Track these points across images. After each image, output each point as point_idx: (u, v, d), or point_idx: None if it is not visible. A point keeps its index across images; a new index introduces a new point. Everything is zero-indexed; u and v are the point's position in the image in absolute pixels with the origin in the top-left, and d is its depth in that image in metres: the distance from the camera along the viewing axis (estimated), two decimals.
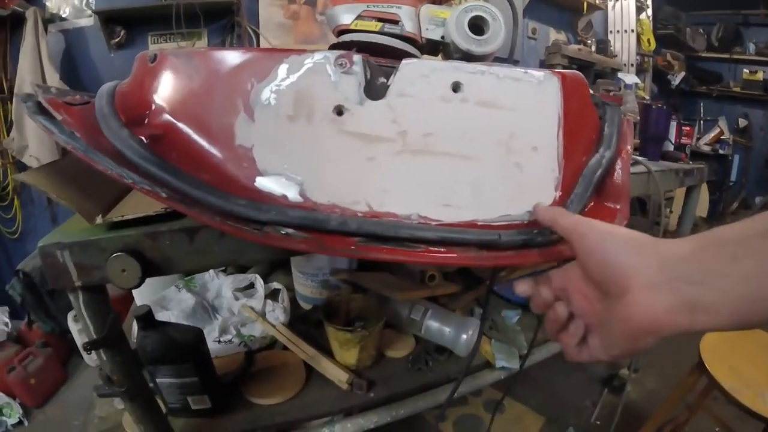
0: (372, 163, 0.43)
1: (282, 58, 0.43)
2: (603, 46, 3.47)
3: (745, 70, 2.97)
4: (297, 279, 1.21)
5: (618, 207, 0.52)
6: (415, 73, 0.44)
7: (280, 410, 0.85)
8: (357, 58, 0.43)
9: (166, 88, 0.48)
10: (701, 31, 3.18)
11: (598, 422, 1.70)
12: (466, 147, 0.45)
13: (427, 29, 0.55)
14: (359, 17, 0.53)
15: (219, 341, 0.99)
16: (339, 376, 0.89)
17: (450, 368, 1.00)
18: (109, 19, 1.80)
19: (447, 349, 1.04)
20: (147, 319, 0.72)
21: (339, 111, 0.43)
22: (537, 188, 0.49)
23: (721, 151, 3.04)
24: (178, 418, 0.80)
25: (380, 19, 0.53)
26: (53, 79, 1.75)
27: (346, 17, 0.55)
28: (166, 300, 1.09)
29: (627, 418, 1.47)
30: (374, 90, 0.43)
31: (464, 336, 1.02)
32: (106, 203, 0.57)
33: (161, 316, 1.01)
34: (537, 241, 0.46)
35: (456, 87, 0.44)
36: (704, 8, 3.05)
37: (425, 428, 1.55)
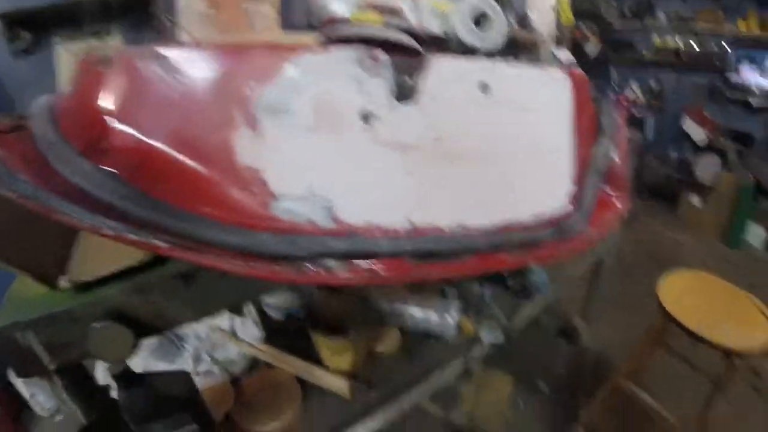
0: (409, 173, 0.39)
1: (288, 56, 0.36)
2: (523, 23, 3.61)
3: (657, 38, 3.25)
4: None
5: (620, 194, 0.55)
6: (444, 73, 0.40)
7: None
8: (383, 56, 0.38)
9: (130, 101, 0.37)
10: (613, 3, 3.42)
11: (563, 372, 1.83)
12: (496, 149, 0.44)
13: (427, 22, 0.51)
14: (358, 8, 0.47)
15: (197, 373, 0.90)
16: (338, 385, 0.85)
17: (440, 352, 1.01)
18: (12, 22, 1.50)
19: (433, 335, 1.05)
20: (127, 376, 0.61)
21: (365, 117, 0.38)
22: (558, 183, 0.49)
23: (636, 115, 3.36)
24: None
25: (381, 11, 0.48)
26: None
27: (339, 7, 0.49)
28: None
29: (590, 365, 1.61)
30: (402, 92, 0.39)
31: (450, 319, 1.02)
32: (57, 255, 0.44)
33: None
34: (570, 233, 0.46)
35: (484, 87, 0.42)
36: None
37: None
